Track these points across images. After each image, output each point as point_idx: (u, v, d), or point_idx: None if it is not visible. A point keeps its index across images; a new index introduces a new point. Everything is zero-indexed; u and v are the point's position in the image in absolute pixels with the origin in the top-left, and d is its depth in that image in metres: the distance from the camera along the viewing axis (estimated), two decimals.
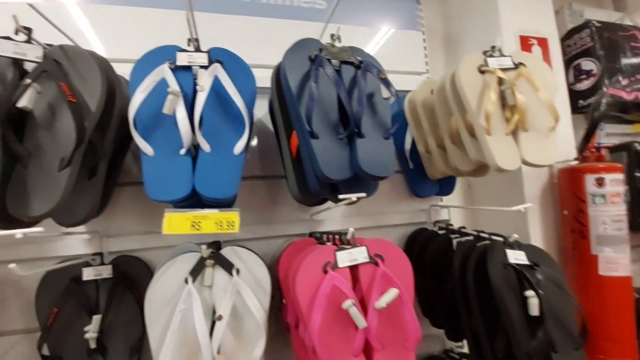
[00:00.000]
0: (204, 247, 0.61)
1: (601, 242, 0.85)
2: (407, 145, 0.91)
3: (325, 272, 0.55)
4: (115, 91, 0.58)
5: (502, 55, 0.73)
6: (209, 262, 0.61)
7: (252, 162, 0.85)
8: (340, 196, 0.58)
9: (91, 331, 0.62)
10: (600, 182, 0.86)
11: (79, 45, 0.57)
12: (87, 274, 0.67)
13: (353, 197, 0.57)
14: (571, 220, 0.92)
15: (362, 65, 0.63)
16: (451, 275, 0.69)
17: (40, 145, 0.50)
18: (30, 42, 0.52)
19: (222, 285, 0.60)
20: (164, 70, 0.55)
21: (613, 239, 0.84)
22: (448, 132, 0.77)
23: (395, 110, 0.75)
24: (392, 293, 0.54)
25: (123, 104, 0.57)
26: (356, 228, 0.90)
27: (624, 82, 1.09)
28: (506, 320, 0.59)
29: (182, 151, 0.54)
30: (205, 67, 0.57)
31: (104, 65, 0.56)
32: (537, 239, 0.96)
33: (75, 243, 0.73)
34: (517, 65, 0.72)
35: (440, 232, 0.87)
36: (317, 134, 0.58)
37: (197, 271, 0.60)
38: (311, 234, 0.82)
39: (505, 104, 0.69)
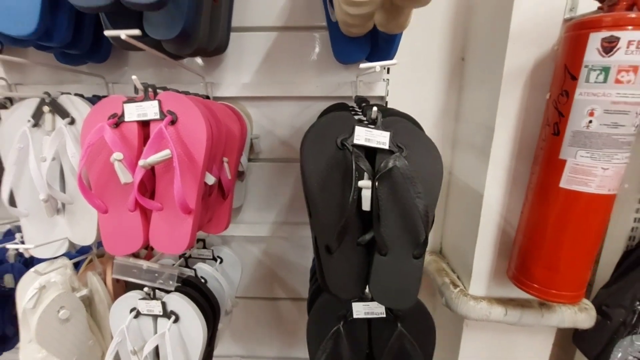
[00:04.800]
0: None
1: (577, 142, 0.57)
2: None
3: (112, 123, 0.51)
4: None
5: None
6: (46, 108, 0.62)
7: None
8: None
9: None
10: (609, 46, 0.52)
11: None
12: None
13: None
14: (550, 108, 0.62)
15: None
16: None
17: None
18: None
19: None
20: None
21: (597, 139, 0.55)
22: None
23: None
24: (161, 154, 0.48)
25: None
26: (266, 97, 0.79)
27: None
28: (310, 206, 0.49)
29: None
30: None
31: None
32: (505, 131, 0.70)
33: None
34: None
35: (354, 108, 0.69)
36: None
37: (37, 116, 0.62)
38: None
39: None
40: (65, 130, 0.60)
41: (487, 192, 0.74)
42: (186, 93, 0.66)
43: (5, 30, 0.57)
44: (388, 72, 0.78)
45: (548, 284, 0.66)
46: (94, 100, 0.67)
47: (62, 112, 0.62)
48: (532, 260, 0.67)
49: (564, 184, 0.60)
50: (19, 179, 0.63)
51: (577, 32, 0.55)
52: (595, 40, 0.53)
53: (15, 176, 0.62)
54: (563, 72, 0.58)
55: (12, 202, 0.64)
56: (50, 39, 0.60)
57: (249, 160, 0.83)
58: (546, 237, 0.65)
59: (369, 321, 0.60)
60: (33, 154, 0.60)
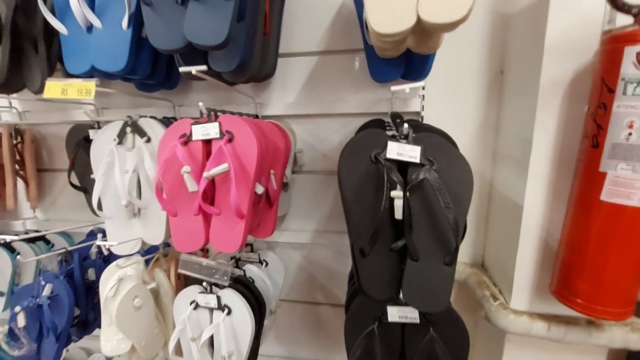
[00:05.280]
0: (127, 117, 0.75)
1: (616, 155, 0.57)
2: None
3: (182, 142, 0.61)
4: None
5: None
6: (129, 128, 0.74)
7: None
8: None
9: None
10: None
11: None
12: None
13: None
14: (589, 121, 0.62)
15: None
16: None
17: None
18: None
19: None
20: None
21: (638, 152, 0.55)
22: None
23: None
24: (221, 167, 0.56)
25: None
26: (309, 114, 0.87)
27: None
28: (346, 213, 0.54)
29: None
30: None
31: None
32: (543, 144, 0.70)
33: None
34: None
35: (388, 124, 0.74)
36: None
37: (121, 135, 0.75)
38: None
39: None
40: (143, 147, 0.72)
41: (527, 204, 0.74)
42: (239, 114, 0.76)
43: (101, 67, 0.71)
44: (423, 89, 0.82)
45: (592, 300, 0.64)
46: (164, 121, 0.79)
47: (141, 132, 0.74)
48: (575, 275, 0.66)
49: (604, 196, 0.59)
50: (106, 188, 0.76)
51: (612, 46, 0.56)
52: (630, 53, 0.53)
53: (103, 185, 0.75)
54: (600, 84, 0.59)
55: (100, 207, 0.78)
56: (135, 72, 0.73)
57: (293, 172, 0.91)
58: (589, 251, 0.64)
59: (402, 325, 0.64)
60: (118, 167, 0.73)
